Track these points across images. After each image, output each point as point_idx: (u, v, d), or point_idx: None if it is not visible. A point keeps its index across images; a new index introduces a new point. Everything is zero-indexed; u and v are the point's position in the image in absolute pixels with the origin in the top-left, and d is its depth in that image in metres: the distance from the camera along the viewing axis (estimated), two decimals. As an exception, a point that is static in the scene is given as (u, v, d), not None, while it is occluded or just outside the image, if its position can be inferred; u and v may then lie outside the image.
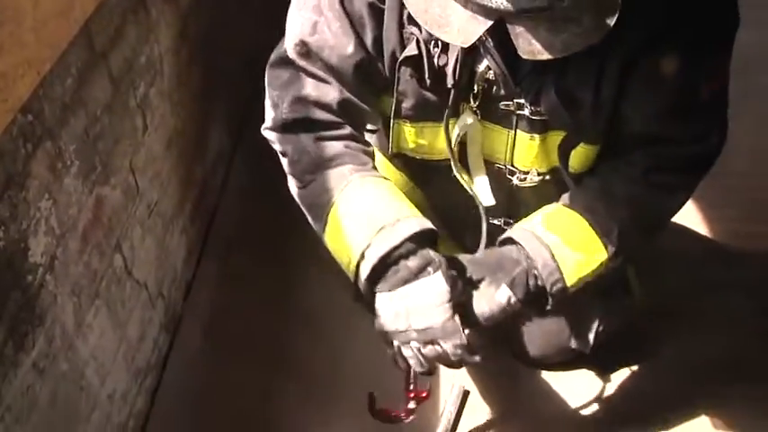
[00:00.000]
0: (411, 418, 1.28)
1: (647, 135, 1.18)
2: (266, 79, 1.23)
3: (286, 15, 1.21)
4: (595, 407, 1.56)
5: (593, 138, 1.19)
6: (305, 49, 1.15)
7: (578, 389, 1.58)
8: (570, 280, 1.16)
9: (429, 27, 0.97)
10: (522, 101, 1.14)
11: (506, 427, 1.54)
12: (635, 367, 1.61)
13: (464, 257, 1.17)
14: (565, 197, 1.24)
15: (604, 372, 1.60)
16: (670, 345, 1.61)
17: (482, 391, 1.59)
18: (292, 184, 1.25)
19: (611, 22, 0.90)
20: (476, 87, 1.16)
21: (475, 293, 1.13)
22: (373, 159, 1.24)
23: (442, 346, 1.09)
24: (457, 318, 1.08)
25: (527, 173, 1.25)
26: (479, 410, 1.56)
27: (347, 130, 1.21)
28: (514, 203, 1.31)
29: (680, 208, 1.30)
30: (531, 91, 1.14)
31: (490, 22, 0.91)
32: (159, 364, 1.60)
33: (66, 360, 1.18)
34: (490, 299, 1.13)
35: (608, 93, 1.12)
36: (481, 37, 1.05)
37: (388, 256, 1.09)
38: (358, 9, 1.12)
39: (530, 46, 0.92)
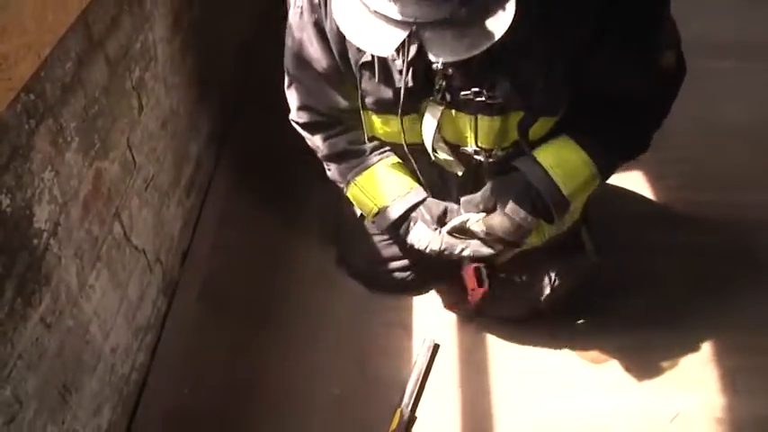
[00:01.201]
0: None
1: (612, 94, 1.22)
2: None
3: (273, 9, 1.28)
4: (555, 357, 1.60)
5: (550, 113, 1.24)
6: (301, 62, 1.29)
7: (538, 340, 1.63)
8: (567, 191, 1.25)
9: (356, 41, 1.02)
10: (479, 89, 1.19)
11: (472, 377, 1.58)
12: (590, 319, 1.65)
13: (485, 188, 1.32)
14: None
15: (562, 324, 1.64)
16: (618, 299, 1.66)
17: (450, 345, 1.63)
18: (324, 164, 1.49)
19: (508, 20, 0.95)
20: (436, 83, 1.21)
21: (493, 215, 1.29)
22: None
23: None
24: (446, 236, 1.33)
25: (491, 151, 1.29)
26: (448, 362, 1.60)
27: (345, 124, 1.39)
28: (481, 179, 1.37)
29: (649, 139, 1.34)
30: (485, 81, 1.18)
31: (406, 33, 0.96)
32: (158, 323, 1.63)
33: (72, 316, 1.21)
34: (505, 215, 1.27)
35: (558, 77, 1.16)
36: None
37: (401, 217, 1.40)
38: (329, 28, 1.23)
39: (439, 50, 0.97)
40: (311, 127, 1.40)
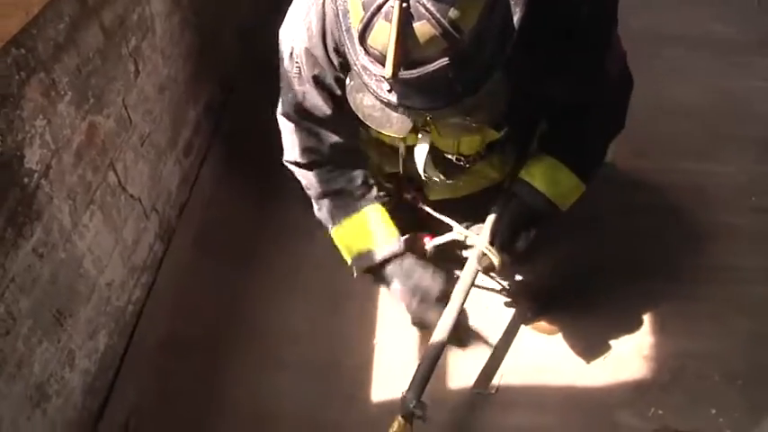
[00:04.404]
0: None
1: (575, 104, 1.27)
2: (279, 124, 1.39)
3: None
4: (511, 305, 1.60)
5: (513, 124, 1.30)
6: (302, 112, 1.31)
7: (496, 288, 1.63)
8: (564, 207, 1.36)
9: (376, 126, 1.09)
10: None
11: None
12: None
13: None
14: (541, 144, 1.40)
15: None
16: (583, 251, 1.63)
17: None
18: (314, 203, 1.45)
19: (499, 111, 1.02)
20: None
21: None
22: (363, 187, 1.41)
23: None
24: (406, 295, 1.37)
25: (469, 155, 1.38)
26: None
27: (341, 164, 1.38)
28: (461, 172, 1.43)
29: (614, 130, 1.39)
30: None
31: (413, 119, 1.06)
32: (155, 265, 1.62)
33: (65, 250, 1.21)
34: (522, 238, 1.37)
35: (520, 101, 1.15)
36: None
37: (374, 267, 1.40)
38: (329, 83, 1.24)
39: (443, 128, 1.13)
40: (311, 165, 1.39)
